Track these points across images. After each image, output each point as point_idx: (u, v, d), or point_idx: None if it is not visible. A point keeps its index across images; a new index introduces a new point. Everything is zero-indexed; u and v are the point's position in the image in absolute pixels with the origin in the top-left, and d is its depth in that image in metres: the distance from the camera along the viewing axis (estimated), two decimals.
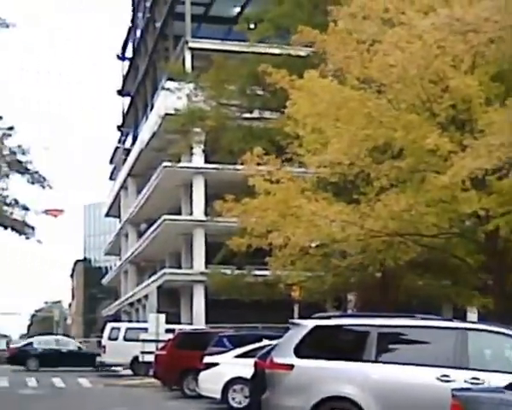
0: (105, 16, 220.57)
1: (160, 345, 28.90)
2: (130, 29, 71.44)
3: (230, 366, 19.78)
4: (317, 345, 12.64)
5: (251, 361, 16.82)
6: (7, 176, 33.08)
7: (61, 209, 69.23)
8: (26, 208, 33.97)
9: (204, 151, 48.77)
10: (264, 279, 31.33)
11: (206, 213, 49.22)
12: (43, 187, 33.65)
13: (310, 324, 12.76)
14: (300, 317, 40.63)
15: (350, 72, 17.63)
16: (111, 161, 79.84)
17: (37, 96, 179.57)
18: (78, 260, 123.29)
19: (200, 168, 49.50)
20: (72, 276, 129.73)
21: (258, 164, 20.63)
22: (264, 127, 29.75)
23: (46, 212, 62.50)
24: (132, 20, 71.17)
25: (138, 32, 67.96)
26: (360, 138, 17.06)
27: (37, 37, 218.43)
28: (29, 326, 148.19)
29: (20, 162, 32.95)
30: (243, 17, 32.26)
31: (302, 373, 12.13)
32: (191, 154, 49.48)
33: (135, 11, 70.86)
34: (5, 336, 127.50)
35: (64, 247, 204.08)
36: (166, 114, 48.58)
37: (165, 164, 49.49)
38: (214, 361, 20.23)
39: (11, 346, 47.52)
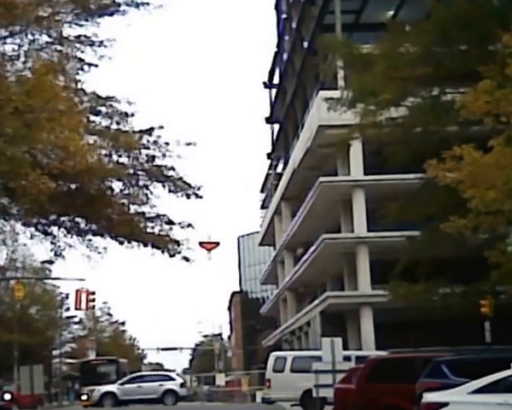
0: (249, 46, 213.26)
1: (339, 376, 21.53)
2: (276, 54, 65.36)
3: (470, 406, 11.86)
4: None
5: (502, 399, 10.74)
6: (146, 187, 26.07)
7: (216, 242, 63.02)
8: (170, 222, 26.70)
9: (363, 163, 41.92)
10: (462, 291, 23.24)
11: (368, 229, 41.91)
12: (188, 196, 26.28)
13: None
14: (494, 337, 32.54)
15: None
16: (262, 190, 73.78)
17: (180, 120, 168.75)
18: (234, 292, 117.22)
19: (360, 181, 42.29)
20: (229, 308, 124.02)
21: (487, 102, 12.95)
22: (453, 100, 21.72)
23: (200, 244, 56.13)
24: (278, 45, 65.09)
25: (285, 56, 61.81)
26: None
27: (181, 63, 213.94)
28: (191, 361, 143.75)
29: (158, 167, 25.78)
30: None
31: None
32: (348, 167, 42.67)
33: (280, 36, 64.77)
34: (170, 370, 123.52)
35: (219, 279, 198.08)
36: (320, 127, 42.05)
37: (321, 179, 42.82)
38: (442, 400, 12.25)
39: None
